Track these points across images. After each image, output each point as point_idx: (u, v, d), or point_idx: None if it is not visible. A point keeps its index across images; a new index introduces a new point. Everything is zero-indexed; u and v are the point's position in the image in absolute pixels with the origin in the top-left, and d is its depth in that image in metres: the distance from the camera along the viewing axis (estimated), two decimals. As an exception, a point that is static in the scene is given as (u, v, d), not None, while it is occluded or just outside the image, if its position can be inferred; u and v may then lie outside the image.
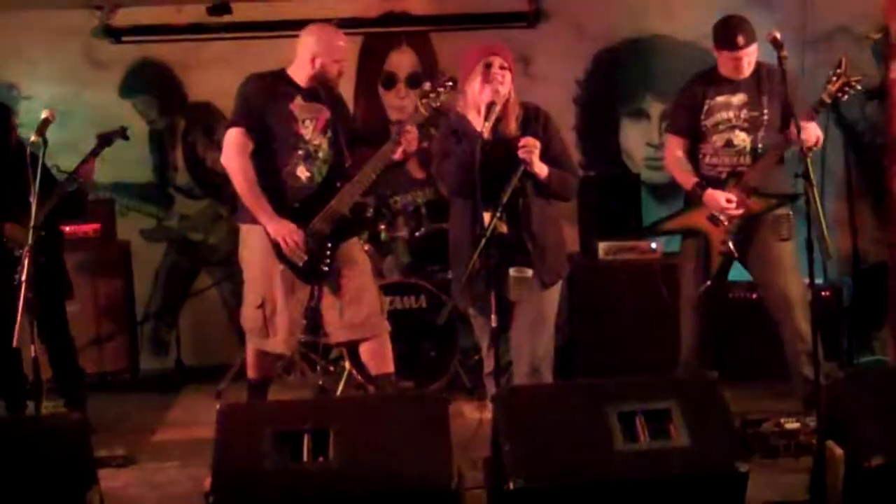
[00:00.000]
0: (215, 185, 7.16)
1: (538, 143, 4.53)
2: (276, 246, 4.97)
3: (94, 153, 5.62)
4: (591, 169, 7.06)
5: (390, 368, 5.24)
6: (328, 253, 5.06)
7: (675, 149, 5.40)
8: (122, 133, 5.82)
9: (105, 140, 5.70)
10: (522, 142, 4.53)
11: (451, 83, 4.93)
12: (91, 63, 7.25)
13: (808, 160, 4.59)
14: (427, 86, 5.03)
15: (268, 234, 4.97)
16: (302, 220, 4.99)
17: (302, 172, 5.04)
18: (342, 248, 5.11)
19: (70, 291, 5.89)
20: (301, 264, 4.99)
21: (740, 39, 5.10)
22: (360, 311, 5.12)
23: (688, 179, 5.30)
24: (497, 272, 4.44)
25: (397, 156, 4.99)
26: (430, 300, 6.16)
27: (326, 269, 5.07)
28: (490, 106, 4.55)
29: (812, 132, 4.98)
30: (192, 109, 7.32)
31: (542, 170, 4.59)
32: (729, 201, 5.15)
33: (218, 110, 7.21)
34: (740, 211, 5.15)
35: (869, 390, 3.95)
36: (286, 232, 4.94)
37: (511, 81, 4.68)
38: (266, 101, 5.01)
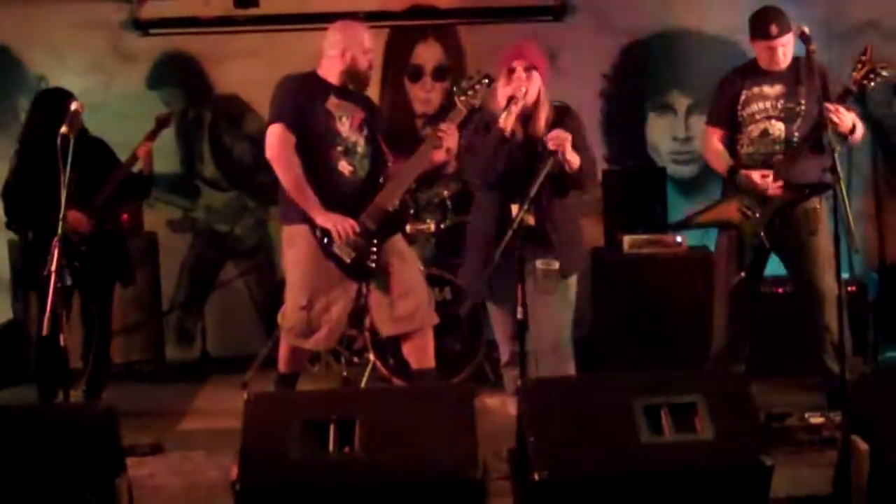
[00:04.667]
0: (242, 176, 7.23)
1: (568, 136, 4.51)
2: (322, 243, 4.95)
3: (152, 136, 5.81)
4: (616, 163, 7.05)
5: (431, 363, 5.21)
6: (374, 249, 5.02)
7: (713, 140, 5.43)
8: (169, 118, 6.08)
9: (164, 122, 5.91)
10: (552, 134, 4.51)
11: (486, 80, 4.92)
12: (119, 55, 7.27)
13: (836, 155, 4.62)
14: (464, 83, 5.01)
15: (314, 231, 4.95)
16: (349, 215, 4.97)
17: (344, 167, 5.02)
18: (388, 243, 5.08)
19: (132, 277, 6.08)
20: (349, 260, 4.97)
21: (773, 29, 5.12)
22: (408, 304, 5.10)
23: (723, 166, 5.32)
24: (523, 264, 4.43)
25: (441, 157, 5.00)
26: (454, 292, 6.14)
27: (373, 265, 5.03)
28: (510, 99, 4.56)
29: (846, 118, 4.98)
30: (219, 101, 7.34)
31: (574, 159, 4.56)
32: (764, 177, 5.16)
33: (245, 102, 7.26)
34: (780, 185, 5.13)
35: (895, 385, 3.94)
36: (336, 220, 4.91)
37: (540, 80, 4.69)
38: (303, 99, 5.00)
